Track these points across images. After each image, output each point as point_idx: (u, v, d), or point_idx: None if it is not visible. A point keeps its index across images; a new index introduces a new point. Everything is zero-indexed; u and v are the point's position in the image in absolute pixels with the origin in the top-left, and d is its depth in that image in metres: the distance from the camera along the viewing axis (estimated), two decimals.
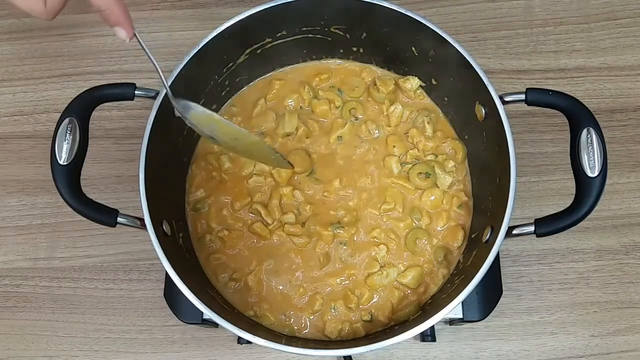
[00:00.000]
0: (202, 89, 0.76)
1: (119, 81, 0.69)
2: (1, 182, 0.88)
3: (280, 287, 0.74)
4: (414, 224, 0.76)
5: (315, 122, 0.80)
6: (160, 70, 0.62)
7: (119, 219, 0.65)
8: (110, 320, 0.82)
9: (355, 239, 0.75)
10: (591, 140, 0.63)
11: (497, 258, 0.72)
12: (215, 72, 0.76)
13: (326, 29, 0.77)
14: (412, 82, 0.79)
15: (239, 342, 0.79)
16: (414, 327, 0.62)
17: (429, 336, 0.76)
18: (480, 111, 0.71)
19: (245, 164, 0.78)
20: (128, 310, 0.83)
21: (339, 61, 0.83)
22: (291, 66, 0.83)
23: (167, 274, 0.64)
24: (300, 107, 0.81)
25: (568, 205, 0.63)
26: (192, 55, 0.69)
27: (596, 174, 0.62)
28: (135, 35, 0.58)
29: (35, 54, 0.94)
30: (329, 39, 0.78)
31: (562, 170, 0.86)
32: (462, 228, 0.75)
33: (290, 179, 0.77)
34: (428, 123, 0.78)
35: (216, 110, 0.80)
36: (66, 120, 0.64)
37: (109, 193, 0.86)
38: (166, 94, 0.64)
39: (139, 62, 0.93)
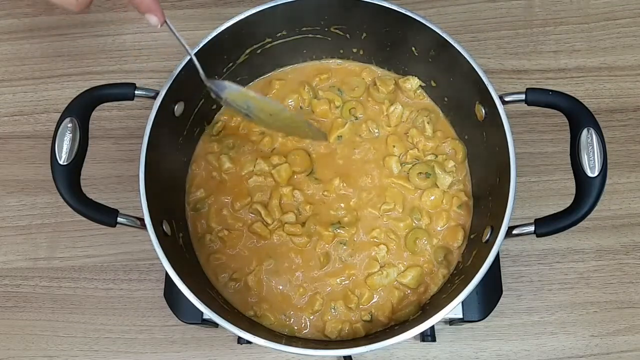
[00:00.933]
0: (202, 89, 0.75)
1: (119, 81, 0.69)
2: (1, 182, 0.88)
3: (280, 287, 0.74)
4: (414, 224, 0.76)
5: (316, 122, 0.80)
6: (193, 55, 0.64)
7: (119, 219, 0.65)
8: (110, 320, 0.82)
9: (355, 239, 0.75)
10: (591, 140, 0.63)
11: (497, 258, 0.72)
12: (215, 72, 0.76)
13: (326, 29, 0.77)
14: (412, 82, 0.79)
15: (239, 342, 0.79)
16: (414, 327, 0.62)
17: (429, 336, 0.76)
18: (480, 111, 0.71)
19: (245, 164, 0.78)
20: (128, 310, 0.83)
21: (339, 61, 0.83)
22: (291, 66, 0.83)
23: (167, 274, 0.64)
24: (301, 107, 0.81)
25: (568, 205, 0.63)
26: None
27: (596, 174, 0.62)
28: (166, 21, 0.60)
29: (35, 54, 0.94)
30: (329, 39, 0.78)
31: (562, 170, 0.86)
32: (462, 228, 0.75)
33: (290, 178, 0.77)
34: (428, 123, 0.78)
35: (216, 111, 0.80)
36: (66, 120, 0.64)
37: (109, 193, 0.86)
38: (202, 81, 0.65)
39: (139, 62, 0.93)
